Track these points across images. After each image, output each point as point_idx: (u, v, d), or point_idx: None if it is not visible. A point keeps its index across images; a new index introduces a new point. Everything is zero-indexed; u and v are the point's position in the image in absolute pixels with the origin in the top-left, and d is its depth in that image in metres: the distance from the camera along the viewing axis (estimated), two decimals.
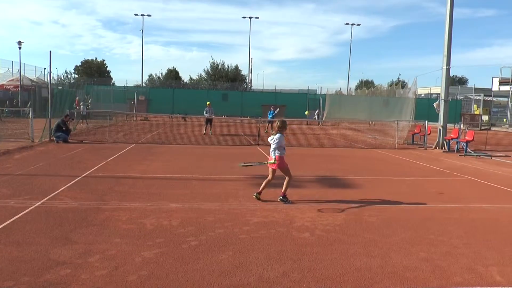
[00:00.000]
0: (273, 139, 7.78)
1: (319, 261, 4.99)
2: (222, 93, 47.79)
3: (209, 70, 64.21)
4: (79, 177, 9.58)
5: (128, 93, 44.42)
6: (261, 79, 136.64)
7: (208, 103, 24.61)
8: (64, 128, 17.26)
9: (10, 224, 6.00)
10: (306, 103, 45.13)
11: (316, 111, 43.38)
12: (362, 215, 7.18)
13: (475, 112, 44.34)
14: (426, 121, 20.45)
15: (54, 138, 16.93)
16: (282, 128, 7.82)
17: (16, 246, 5.14)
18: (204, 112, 24.00)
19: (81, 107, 28.04)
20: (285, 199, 7.74)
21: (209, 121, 23.80)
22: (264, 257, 5.05)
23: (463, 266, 5.00)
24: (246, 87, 59.80)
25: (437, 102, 19.96)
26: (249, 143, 19.53)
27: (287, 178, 7.81)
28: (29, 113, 18.60)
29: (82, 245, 5.24)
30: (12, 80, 37.71)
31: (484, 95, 45.11)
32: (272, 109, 28.01)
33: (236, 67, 64.18)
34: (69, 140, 17.22)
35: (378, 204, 7.98)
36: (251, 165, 8.40)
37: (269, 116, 27.26)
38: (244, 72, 64.85)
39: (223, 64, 64.10)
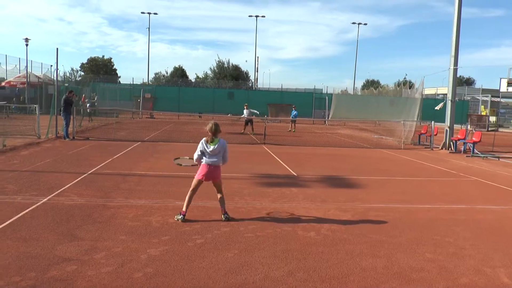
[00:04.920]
0: (216, 147, 6.45)
1: (325, 261, 4.98)
2: (228, 92, 47.82)
3: (215, 68, 64.28)
4: (85, 174, 9.61)
5: (134, 91, 44.51)
6: (267, 78, 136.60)
7: (245, 104, 24.89)
8: (69, 104, 17.26)
9: (17, 220, 6.03)
10: (312, 102, 45.07)
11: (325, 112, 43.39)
12: (368, 215, 7.16)
13: (482, 113, 44.06)
14: (432, 122, 20.35)
15: (64, 124, 17.02)
16: (218, 131, 6.56)
17: (23, 242, 5.16)
18: (245, 113, 24.26)
19: (87, 104, 28.12)
20: (228, 216, 6.56)
21: (248, 121, 24.06)
22: (269, 256, 5.04)
23: (470, 268, 4.97)
24: (252, 85, 59.77)
25: (440, 105, 19.94)
26: (255, 142, 19.52)
27: (220, 195, 6.68)
28: (35, 109, 18.67)
29: (88, 242, 5.26)
30: (19, 76, 37.90)
31: (492, 96, 44.79)
32: (293, 109, 29.08)
33: (237, 66, 64.09)
34: (75, 137, 17.31)
35: (384, 205, 7.95)
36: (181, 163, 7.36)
37: (292, 116, 28.80)
38: (245, 70, 64.98)
39: (229, 62, 64.21)
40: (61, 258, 4.69)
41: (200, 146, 6.51)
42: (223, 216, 6.51)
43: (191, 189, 6.55)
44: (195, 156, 6.58)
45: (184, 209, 6.44)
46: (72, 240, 5.31)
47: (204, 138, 6.56)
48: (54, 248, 4.98)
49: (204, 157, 6.51)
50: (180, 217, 6.38)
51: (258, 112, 24.94)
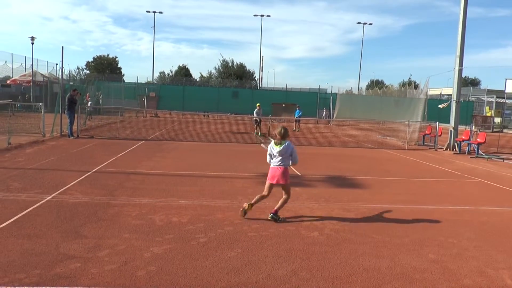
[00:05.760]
0: (281, 149, 6.48)
1: (328, 260, 4.98)
2: (232, 91, 47.87)
3: (220, 67, 64.23)
4: (89, 172, 9.65)
5: (139, 90, 44.64)
6: (272, 77, 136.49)
7: (258, 104, 23.98)
8: (74, 103, 17.25)
9: (22, 217, 6.07)
10: (317, 102, 45.04)
11: (324, 111, 43.30)
12: (372, 215, 7.15)
13: (487, 114, 43.87)
14: (437, 122, 20.29)
15: (68, 122, 17.07)
16: (286, 135, 6.66)
17: (27, 239, 5.19)
18: (255, 113, 23.46)
19: (89, 103, 27.93)
20: (276, 217, 6.52)
21: (258, 122, 23.34)
22: (272, 255, 5.05)
23: (473, 269, 4.96)
24: (256, 85, 59.77)
25: (443, 104, 19.88)
26: (259, 141, 19.54)
27: (285, 196, 6.65)
28: (40, 108, 18.76)
29: (92, 240, 5.28)
30: (24, 75, 38.06)
31: (497, 97, 44.59)
32: (297, 108, 29.07)
33: (242, 65, 63.93)
34: (79, 135, 17.38)
35: (388, 205, 7.94)
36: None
37: (296, 115, 28.72)
38: (250, 69, 64.87)
39: (233, 61, 64.15)
40: (65, 256, 4.71)
41: (268, 149, 6.68)
42: (270, 215, 6.53)
43: (263, 193, 6.67)
44: (267, 158, 6.72)
45: (245, 203, 6.63)
46: (76, 237, 5.33)
47: (273, 141, 6.67)
48: (58, 246, 5.01)
49: (271, 159, 6.64)
50: (243, 208, 6.58)
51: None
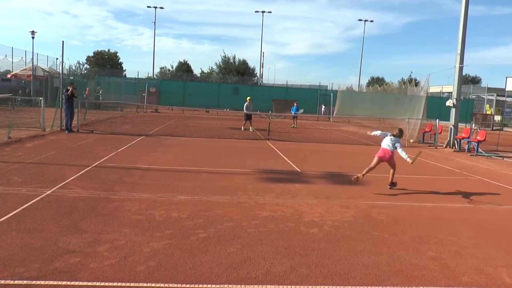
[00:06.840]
0: (393, 139, 9.29)
1: (327, 257, 4.99)
2: (233, 87, 47.80)
3: (221, 63, 64.05)
4: (89, 167, 9.65)
5: (139, 85, 44.51)
6: (272, 74, 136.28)
7: (248, 98, 23.57)
8: (69, 94, 17.00)
9: (21, 211, 6.07)
10: (317, 98, 44.99)
11: (322, 107, 43.24)
12: (371, 212, 7.16)
13: (487, 112, 43.81)
14: (437, 120, 20.28)
15: (65, 119, 17.03)
16: (400, 135, 9.48)
17: (27, 233, 5.20)
18: (245, 107, 23.13)
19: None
20: (393, 185, 9.18)
21: (249, 116, 23.03)
22: (272, 252, 5.06)
23: (472, 267, 4.97)
24: (257, 81, 59.67)
25: (450, 101, 19.78)
26: (259, 137, 19.51)
27: (392, 170, 9.23)
28: (40, 102, 18.74)
29: (92, 234, 5.28)
30: (25, 69, 38.01)
31: (497, 95, 44.53)
32: (295, 104, 29.07)
33: (244, 61, 63.68)
34: (79, 130, 17.38)
35: (387, 202, 7.95)
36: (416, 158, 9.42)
37: (293, 111, 28.65)
38: (252, 65, 64.64)
39: (234, 57, 63.95)
40: (64, 250, 4.72)
41: (384, 134, 9.68)
42: (389, 186, 9.19)
43: (371, 165, 9.06)
44: (377, 132, 10.03)
45: (359, 174, 8.97)
46: (76, 232, 5.34)
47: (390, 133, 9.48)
48: (58, 240, 5.01)
49: (383, 141, 9.38)
50: (356, 176, 8.94)
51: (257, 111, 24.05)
